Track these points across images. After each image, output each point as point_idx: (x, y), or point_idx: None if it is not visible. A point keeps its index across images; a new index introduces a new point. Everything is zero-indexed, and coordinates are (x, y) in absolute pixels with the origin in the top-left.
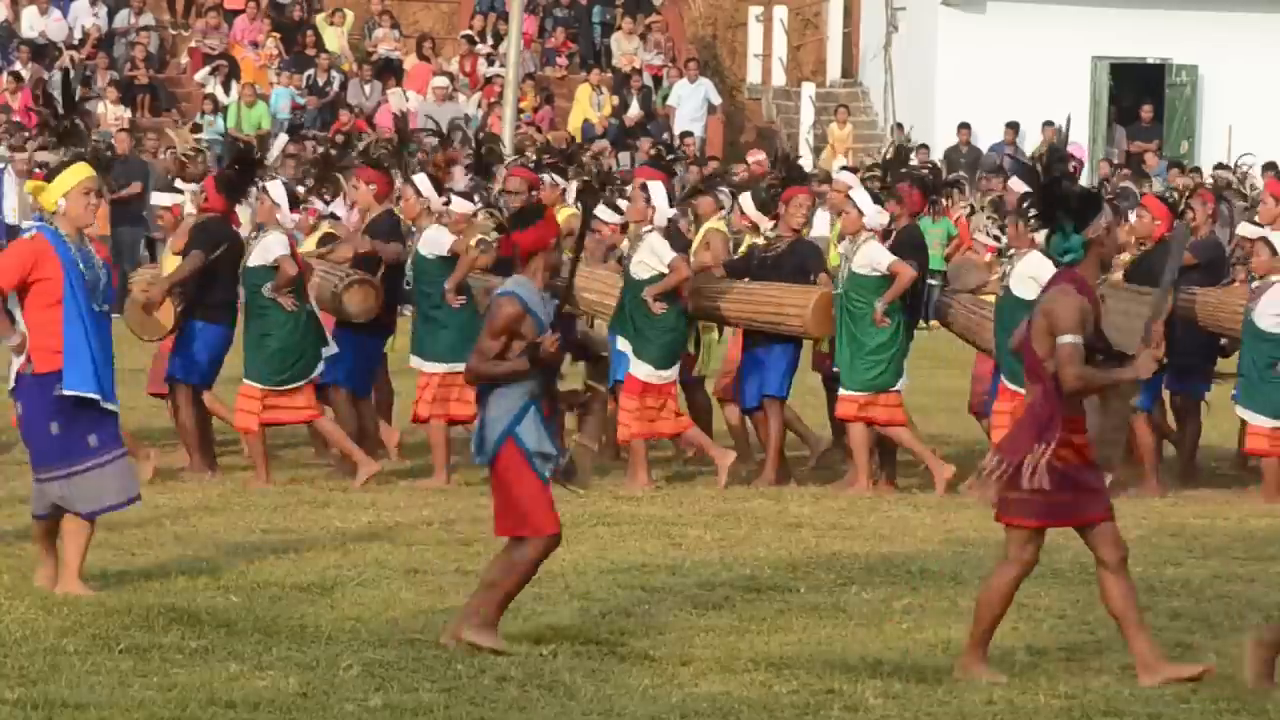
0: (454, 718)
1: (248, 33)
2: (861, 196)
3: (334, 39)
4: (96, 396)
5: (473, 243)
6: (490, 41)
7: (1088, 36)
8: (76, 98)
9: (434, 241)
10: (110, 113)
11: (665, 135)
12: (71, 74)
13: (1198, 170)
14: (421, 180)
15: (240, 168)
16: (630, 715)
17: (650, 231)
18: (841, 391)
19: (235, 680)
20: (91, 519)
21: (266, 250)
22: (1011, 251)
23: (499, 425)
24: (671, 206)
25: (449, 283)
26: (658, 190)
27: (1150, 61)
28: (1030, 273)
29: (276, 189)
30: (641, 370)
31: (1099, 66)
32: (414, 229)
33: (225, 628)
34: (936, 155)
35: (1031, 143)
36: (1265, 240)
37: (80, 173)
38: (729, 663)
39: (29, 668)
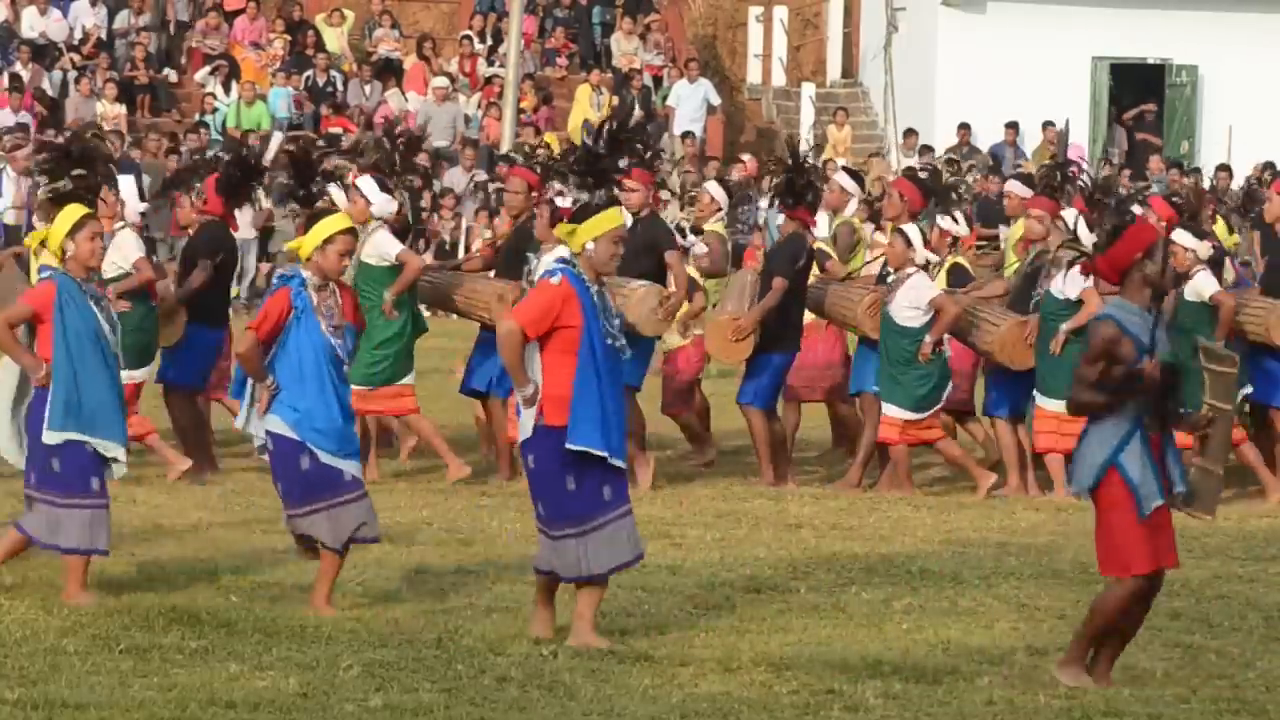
0: (454, 718)
1: (248, 33)
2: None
3: (334, 39)
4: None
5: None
6: (490, 42)
7: (1088, 37)
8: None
9: (381, 246)
10: (109, 112)
11: (665, 136)
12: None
13: (1198, 171)
14: (366, 183)
15: (240, 172)
16: (630, 715)
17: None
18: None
19: (235, 680)
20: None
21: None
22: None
23: (1099, 455)
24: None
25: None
26: (914, 232)
27: (1150, 62)
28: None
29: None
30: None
31: (1099, 67)
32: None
33: (225, 628)
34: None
35: (1031, 143)
36: (900, 231)
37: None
38: (729, 663)
39: (29, 668)
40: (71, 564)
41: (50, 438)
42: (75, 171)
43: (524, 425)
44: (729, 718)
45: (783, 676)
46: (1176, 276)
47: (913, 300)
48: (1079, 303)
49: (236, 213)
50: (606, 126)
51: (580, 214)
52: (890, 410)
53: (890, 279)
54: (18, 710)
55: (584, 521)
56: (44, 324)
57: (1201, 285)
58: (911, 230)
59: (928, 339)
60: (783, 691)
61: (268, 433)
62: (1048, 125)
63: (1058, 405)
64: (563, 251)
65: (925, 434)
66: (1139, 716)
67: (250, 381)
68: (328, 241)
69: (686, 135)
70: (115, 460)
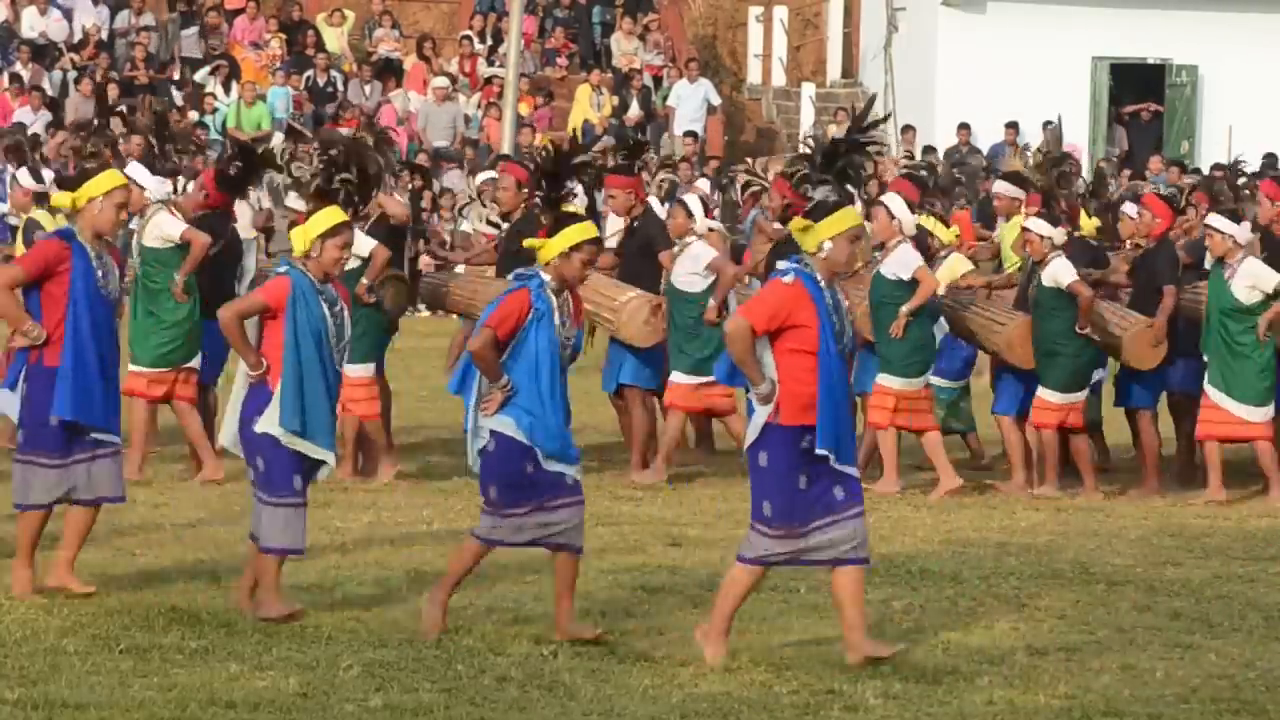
0: (454, 718)
1: (247, 33)
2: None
3: (334, 39)
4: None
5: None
6: (490, 42)
7: (1088, 37)
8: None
9: (163, 227)
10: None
11: (665, 136)
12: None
13: (1198, 171)
14: (135, 169)
15: (241, 164)
16: (630, 715)
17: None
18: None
19: (235, 680)
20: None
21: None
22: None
23: None
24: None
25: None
26: (694, 203)
27: (1150, 62)
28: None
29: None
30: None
31: (1099, 66)
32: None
33: (225, 628)
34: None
35: (1032, 143)
36: (681, 202)
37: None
38: (729, 663)
39: (29, 668)
40: (264, 564)
41: (277, 432)
42: (344, 175)
43: (755, 423)
44: (729, 718)
45: (783, 676)
46: (1033, 263)
47: (690, 267)
48: (913, 283)
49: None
50: (848, 126)
51: (815, 212)
52: (677, 378)
53: (674, 250)
54: (18, 710)
55: (813, 521)
56: (274, 319)
57: (1058, 272)
58: (691, 200)
59: (711, 302)
60: (783, 691)
61: (492, 432)
62: (1047, 125)
63: (899, 383)
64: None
65: (716, 401)
66: (1139, 716)
67: (478, 379)
68: (574, 249)
69: (689, 135)
70: (324, 464)
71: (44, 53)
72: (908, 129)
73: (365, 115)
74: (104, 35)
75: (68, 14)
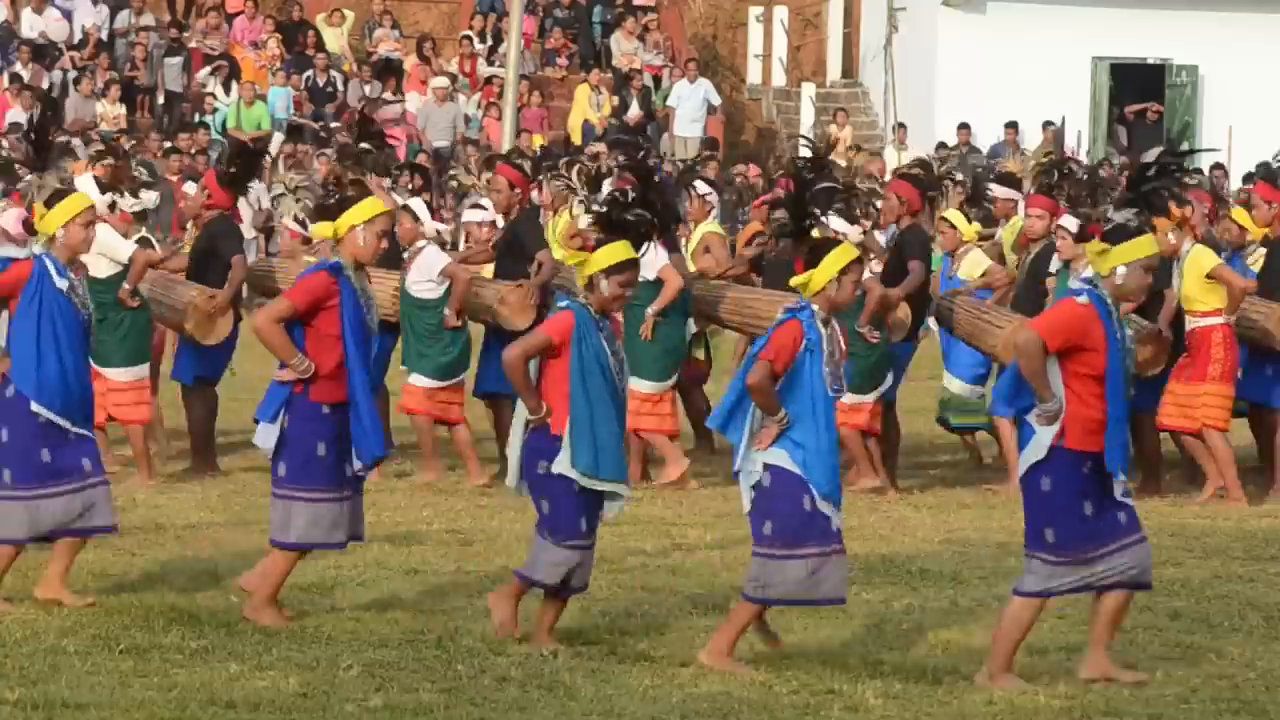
0: (454, 718)
1: (247, 33)
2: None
3: (334, 39)
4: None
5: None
6: (490, 42)
7: (1088, 37)
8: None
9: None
10: (109, 112)
11: (665, 135)
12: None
13: (1199, 170)
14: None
15: (241, 163)
16: (630, 715)
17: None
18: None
19: (235, 680)
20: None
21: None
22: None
23: None
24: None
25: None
26: (420, 207)
27: (1150, 62)
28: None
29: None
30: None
31: (1099, 67)
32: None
33: (225, 628)
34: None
35: (1032, 143)
36: (408, 208)
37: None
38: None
39: (29, 668)
40: (515, 587)
41: (573, 474)
42: (638, 212)
43: (1038, 444)
44: (729, 718)
45: (783, 676)
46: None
47: (424, 274)
48: (658, 283)
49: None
50: (1160, 150)
51: (1113, 235)
52: (416, 380)
53: (405, 255)
54: (18, 710)
55: (1099, 547)
56: (557, 357)
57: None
58: (417, 204)
59: (447, 310)
60: (783, 691)
61: (767, 466)
62: (1048, 125)
63: (647, 386)
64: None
65: (449, 409)
66: (1139, 716)
67: (750, 415)
68: (843, 273)
69: (707, 143)
70: (616, 497)
71: (44, 52)
72: (899, 127)
73: (360, 114)
74: (104, 35)
75: (68, 14)
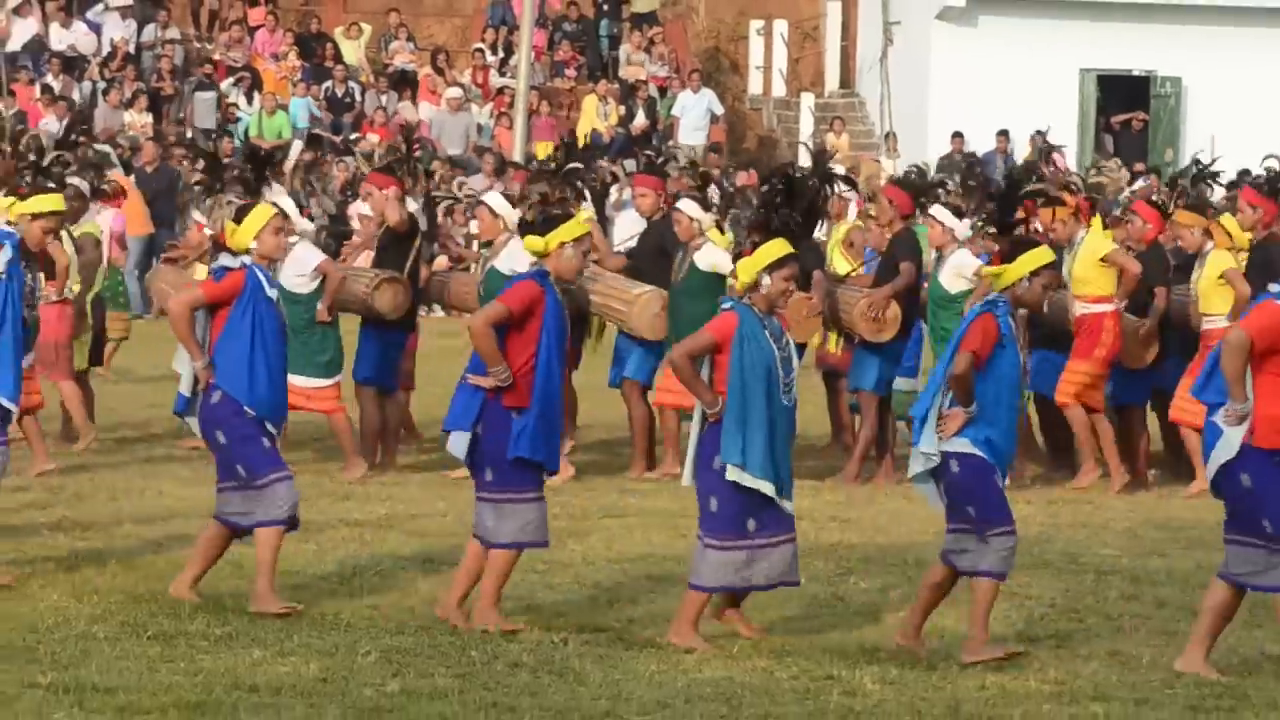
0: (468, 702)
1: (268, 45)
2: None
3: (351, 52)
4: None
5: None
6: (501, 54)
7: (1075, 49)
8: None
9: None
10: (137, 122)
11: (670, 143)
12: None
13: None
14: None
15: (254, 167)
16: (637, 700)
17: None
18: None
19: (258, 665)
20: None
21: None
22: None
23: None
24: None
25: (322, 302)
26: (287, 203)
27: (1136, 73)
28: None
29: (285, 201)
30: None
31: (1086, 78)
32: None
33: (249, 615)
34: (931, 161)
35: (1021, 150)
36: (274, 204)
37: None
38: (731, 650)
39: (61, 653)
40: (690, 598)
41: (739, 476)
42: (788, 212)
43: (1228, 444)
44: (731, 702)
45: (783, 663)
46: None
47: (297, 269)
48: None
49: None
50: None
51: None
52: (296, 380)
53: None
54: (50, 694)
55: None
56: (722, 355)
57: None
58: (286, 203)
59: (320, 304)
60: (783, 677)
61: (956, 454)
62: (1036, 134)
63: None
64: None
65: (327, 404)
66: (1126, 701)
67: (935, 399)
68: (1034, 274)
69: (713, 150)
70: (783, 497)
71: (73, 65)
72: (889, 136)
73: (402, 126)
74: (131, 48)
75: (96, 28)
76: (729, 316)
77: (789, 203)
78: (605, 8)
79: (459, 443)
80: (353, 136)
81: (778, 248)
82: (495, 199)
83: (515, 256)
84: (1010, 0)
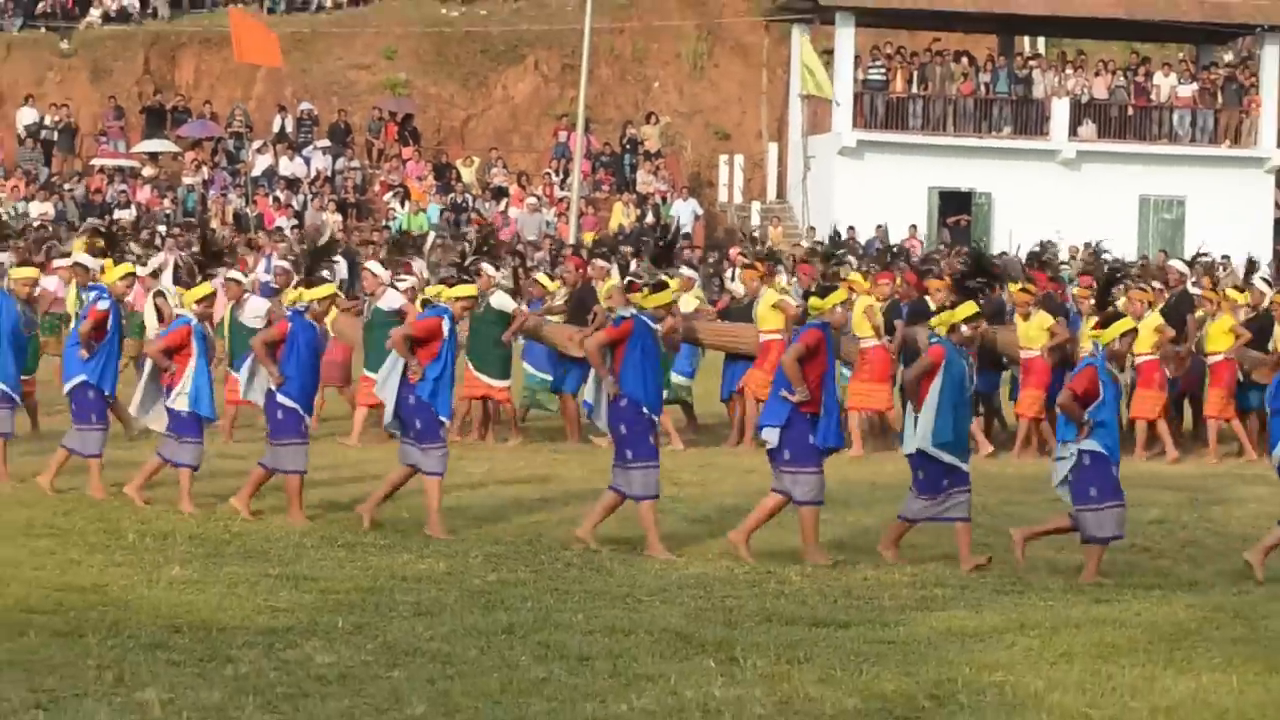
0: (540, 588)
1: (415, 170)
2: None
3: (467, 174)
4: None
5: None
6: (561, 176)
7: (925, 173)
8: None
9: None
10: (331, 220)
11: (671, 234)
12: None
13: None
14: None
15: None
16: (644, 585)
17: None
18: None
19: (407, 564)
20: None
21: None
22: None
23: None
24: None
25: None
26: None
27: (963, 189)
28: None
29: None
30: None
31: (932, 192)
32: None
33: (401, 532)
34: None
35: (894, 239)
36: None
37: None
38: (707, 555)
39: (283, 555)
40: (893, 527)
41: (938, 453)
42: (979, 279)
43: None
44: (705, 588)
45: (740, 563)
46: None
47: (254, 311)
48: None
49: None
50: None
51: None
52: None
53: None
54: (277, 581)
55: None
56: (931, 375)
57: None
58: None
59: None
60: (739, 572)
61: (1085, 452)
62: (912, 228)
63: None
64: (254, 303)
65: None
66: (955, 586)
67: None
68: (1123, 336)
69: (685, 237)
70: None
71: (293, 185)
72: (811, 229)
73: (485, 223)
74: (329, 172)
75: (307, 160)
76: (939, 349)
77: (978, 276)
78: (628, 146)
79: (770, 435)
80: (464, 229)
81: (970, 308)
82: (374, 265)
83: (255, 307)
84: (885, 143)
